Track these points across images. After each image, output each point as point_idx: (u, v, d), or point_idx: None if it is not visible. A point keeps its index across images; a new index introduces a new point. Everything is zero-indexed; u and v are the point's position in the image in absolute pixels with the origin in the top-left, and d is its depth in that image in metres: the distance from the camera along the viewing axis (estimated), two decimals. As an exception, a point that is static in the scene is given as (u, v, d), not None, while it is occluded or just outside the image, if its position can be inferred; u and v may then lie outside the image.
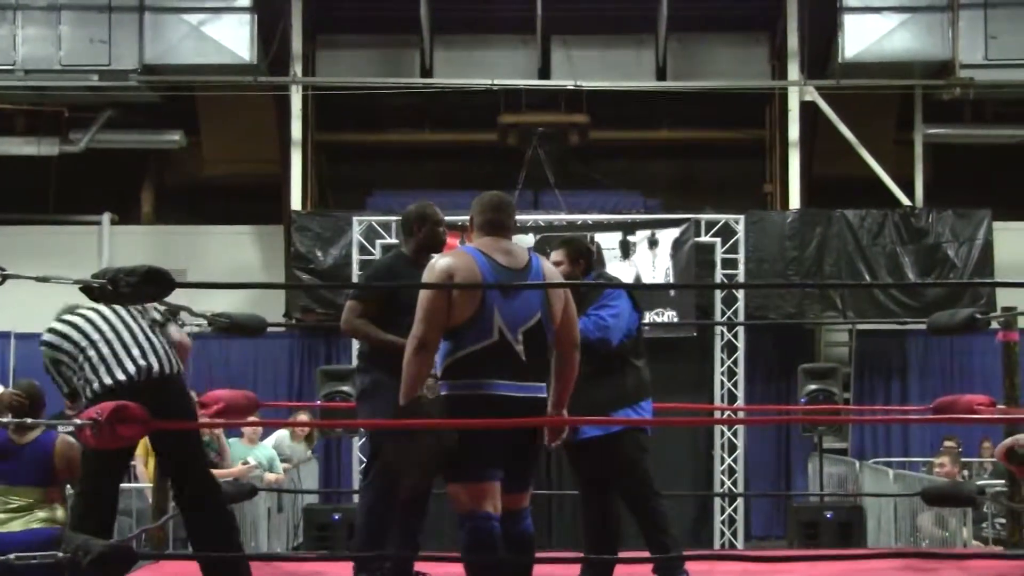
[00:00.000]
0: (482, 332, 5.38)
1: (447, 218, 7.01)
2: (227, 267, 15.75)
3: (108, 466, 6.16)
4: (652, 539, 6.47)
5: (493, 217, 5.63)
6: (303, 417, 12.82)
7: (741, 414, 13.08)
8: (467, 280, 5.36)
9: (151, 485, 8.12)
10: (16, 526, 6.97)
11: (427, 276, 5.49)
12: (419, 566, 6.71)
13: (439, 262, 5.54)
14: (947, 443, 12.95)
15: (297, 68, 15.75)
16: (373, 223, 14.09)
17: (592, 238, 14.16)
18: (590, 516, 6.70)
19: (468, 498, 5.37)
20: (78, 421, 5.39)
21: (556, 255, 6.62)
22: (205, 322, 7.44)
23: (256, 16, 15.26)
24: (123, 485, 11.66)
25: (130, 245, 15.97)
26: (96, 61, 15.17)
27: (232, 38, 15.16)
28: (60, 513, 7.12)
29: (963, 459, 12.67)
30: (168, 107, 16.22)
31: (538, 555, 5.78)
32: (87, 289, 5.71)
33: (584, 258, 6.72)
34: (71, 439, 6.81)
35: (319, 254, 14.55)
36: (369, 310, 6.43)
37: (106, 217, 16.34)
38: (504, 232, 5.63)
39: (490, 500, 5.35)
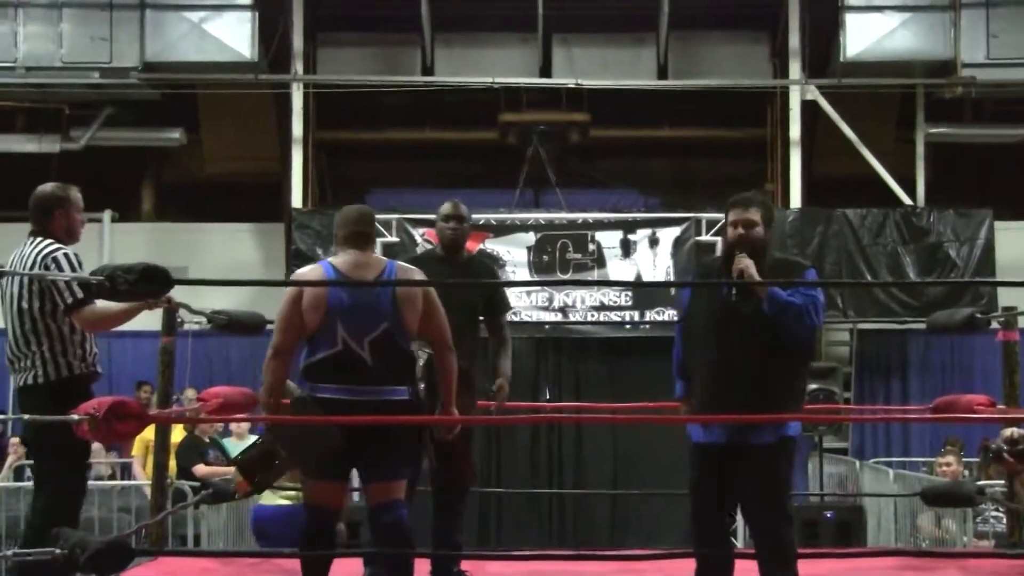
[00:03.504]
0: (328, 341, 5.85)
1: None
2: (228, 264, 15.75)
3: (83, 462, 6.32)
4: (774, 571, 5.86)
5: (353, 230, 6.09)
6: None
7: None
8: (314, 292, 5.86)
9: (149, 483, 8.14)
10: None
11: (288, 289, 6.05)
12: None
13: (296, 275, 6.22)
14: (951, 444, 12.90)
15: (298, 66, 15.74)
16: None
17: (592, 237, 14.18)
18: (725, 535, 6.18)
19: (309, 491, 6.00)
20: (75, 417, 5.41)
21: (751, 214, 5.88)
22: (204, 319, 7.44)
23: (257, 14, 15.23)
24: (123, 483, 11.76)
25: (131, 242, 15.97)
26: (97, 58, 15.16)
27: (233, 36, 15.13)
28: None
29: (964, 459, 12.66)
30: (169, 105, 16.19)
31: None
32: (85, 286, 5.77)
33: (770, 223, 6.00)
34: None
35: (319, 252, 14.52)
36: None
37: (107, 214, 16.35)
38: (363, 244, 6.08)
39: (329, 497, 5.92)
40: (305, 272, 6.16)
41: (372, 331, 5.87)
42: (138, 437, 11.98)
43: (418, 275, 6.16)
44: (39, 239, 6.33)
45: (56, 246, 6.27)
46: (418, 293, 5.99)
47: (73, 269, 6.16)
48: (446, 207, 7.25)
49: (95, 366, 6.36)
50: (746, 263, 5.81)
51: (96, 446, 12.94)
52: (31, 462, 8.06)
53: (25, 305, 6.18)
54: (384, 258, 6.20)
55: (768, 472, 5.78)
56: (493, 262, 13.17)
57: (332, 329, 5.85)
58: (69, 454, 6.09)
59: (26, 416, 5.72)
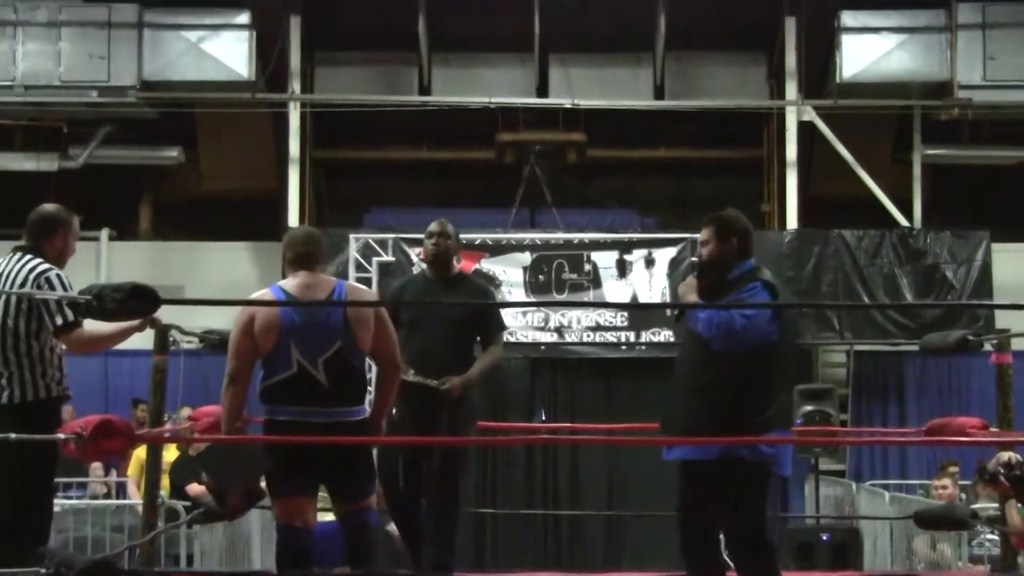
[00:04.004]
0: (283, 364, 5.95)
1: None
2: (225, 283, 15.72)
3: (50, 485, 6.29)
4: None
5: (300, 252, 6.23)
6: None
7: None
8: (266, 315, 5.96)
9: (142, 502, 8.11)
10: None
11: (238, 316, 6.10)
12: None
13: (251, 299, 6.28)
14: (950, 467, 12.86)
15: (295, 85, 15.75)
16: (370, 240, 14.11)
17: (589, 257, 14.16)
18: None
19: (278, 510, 6.08)
20: (61, 436, 5.41)
21: (704, 232, 6.07)
22: (196, 339, 7.43)
23: (254, 33, 15.27)
24: (116, 502, 11.74)
25: (128, 261, 15.95)
26: (95, 77, 15.18)
27: (230, 55, 15.16)
28: None
29: (960, 482, 12.64)
30: (166, 123, 16.20)
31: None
32: (74, 305, 5.75)
33: (737, 236, 6.06)
34: None
35: (315, 271, 14.53)
36: None
37: (104, 233, 16.32)
38: (310, 265, 6.19)
39: (296, 514, 6.00)
40: (257, 296, 6.29)
41: (325, 351, 5.95)
42: (133, 456, 11.98)
43: (369, 295, 6.28)
44: (28, 256, 6.26)
45: (48, 266, 6.21)
46: (370, 312, 6.08)
47: (64, 290, 6.11)
48: (431, 225, 7.30)
49: (67, 388, 6.30)
50: (682, 286, 6.19)
51: (94, 465, 13.02)
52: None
53: (11, 323, 6.10)
54: (333, 278, 6.33)
55: (722, 491, 5.81)
56: (489, 282, 13.17)
57: (286, 351, 5.94)
58: (37, 476, 6.06)
59: (12, 436, 5.60)
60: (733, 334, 5.72)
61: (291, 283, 6.15)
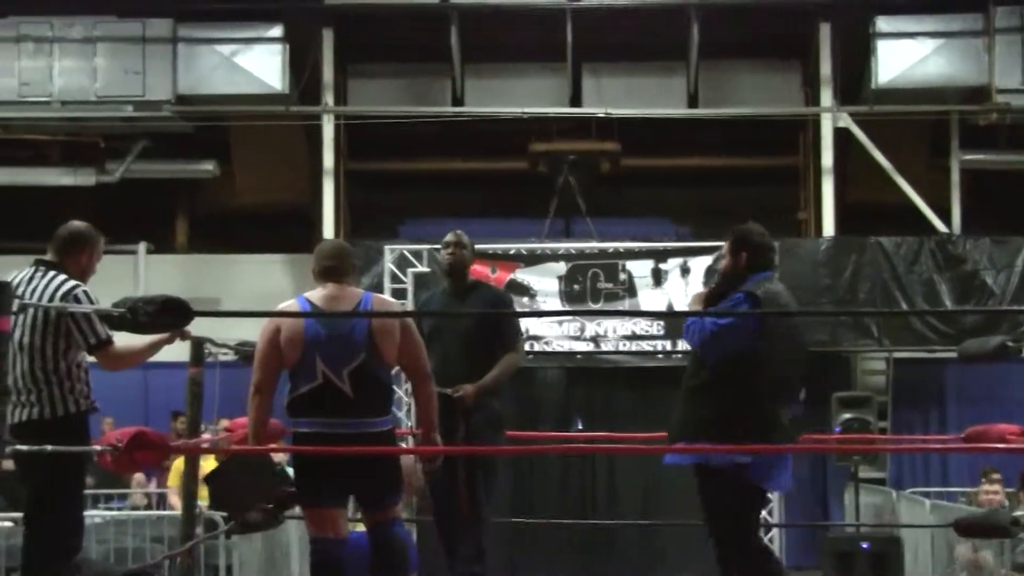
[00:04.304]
0: (308, 375, 6.00)
1: (478, 246, 7.23)
2: (260, 295, 15.69)
3: (81, 491, 6.31)
4: None
5: (326, 264, 6.29)
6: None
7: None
8: (291, 327, 6.01)
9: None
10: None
11: (264, 327, 6.18)
12: None
13: (277, 310, 6.35)
14: (993, 473, 12.75)
15: (328, 98, 15.79)
16: (405, 252, 14.10)
17: (624, 266, 14.11)
18: None
19: (310, 523, 6.14)
20: (97, 448, 5.42)
21: (724, 248, 6.44)
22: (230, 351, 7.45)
23: (287, 46, 15.33)
24: (156, 513, 11.78)
25: (165, 274, 16.04)
26: (130, 92, 15.30)
27: (264, 68, 15.23)
28: None
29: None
30: (201, 137, 16.29)
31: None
32: (106, 318, 5.75)
33: (746, 249, 6.28)
34: None
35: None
36: None
37: (142, 246, 16.44)
38: (337, 277, 6.24)
39: (328, 525, 6.04)
40: (283, 308, 6.35)
41: (350, 363, 5.98)
42: (173, 467, 12.04)
43: (395, 307, 6.29)
44: (52, 273, 6.21)
45: (74, 283, 6.17)
46: (395, 324, 6.11)
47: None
48: (447, 236, 7.42)
49: (94, 402, 6.27)
50: (692, 296, 6.60)
51: (136, 477, 13.08)
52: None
53: (38, 342, 6.04)
54: (360, 290, 6.35)
55: (705, 495, 6.08)
56: (524, 293, 13.21)
57: (311, 363, 5.99)
58: (67, 489, 6.05)
59: (49, 448, 5.56)
60: (705, 341, 5.91)
61: (317, 295, 6.21)
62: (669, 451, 6.15)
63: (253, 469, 6.13)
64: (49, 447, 5.54)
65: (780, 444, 5.91)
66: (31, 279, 6.19)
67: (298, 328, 6.01)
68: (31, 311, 6.00)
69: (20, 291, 6.02)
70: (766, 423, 5.92)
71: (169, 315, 5.35)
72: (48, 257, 6.33)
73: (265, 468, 6.13)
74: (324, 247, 6.50)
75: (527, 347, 13.72)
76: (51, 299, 6.06)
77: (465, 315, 7.21)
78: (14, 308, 4.88)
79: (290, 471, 6.69)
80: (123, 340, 6.21)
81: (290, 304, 6.29)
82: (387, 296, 6.47)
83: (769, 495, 12.97)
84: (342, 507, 6.23)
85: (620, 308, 14.19)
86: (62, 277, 6.18)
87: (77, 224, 6.47)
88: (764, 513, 13.33)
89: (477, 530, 7.09)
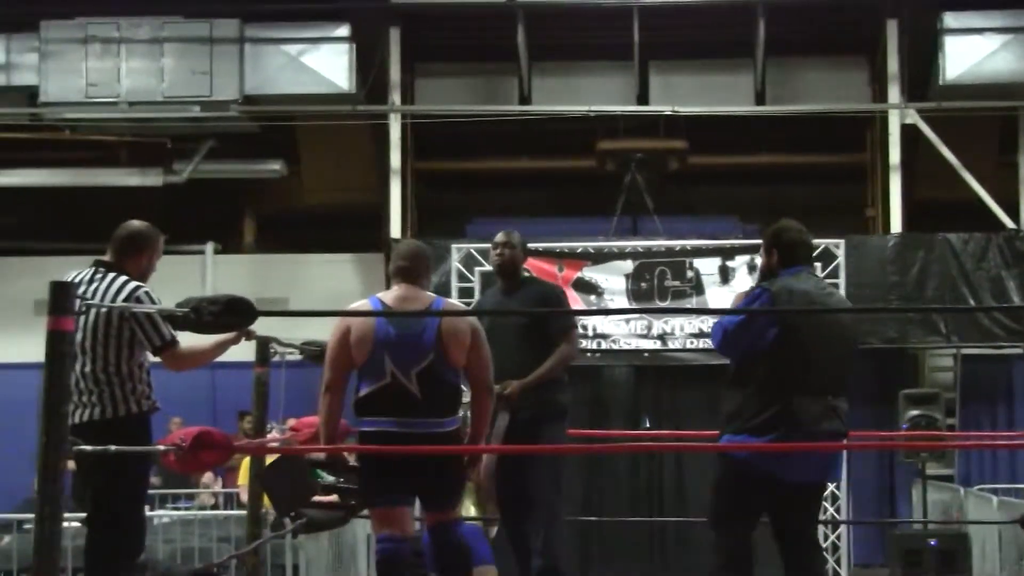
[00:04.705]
0: (377, 375, 6.06)
1: (545, 245, 7.27)
2: (328, 295, 15.81)
3: (144, 491, 6.39)
4: None
5: (401, 265, 6.32)
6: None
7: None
8: (361, 326, 6.08)
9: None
10: None
11: (336, 326, 6.26)
12: None
13: (348, 309, 6.42)
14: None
15: (395, 97, 15.84)
16: (472, 250, 14.12)
17: (691, 264, 14.09)
18: None
19: (376, 521, 6.23)
20: (161, 447, 5.48)
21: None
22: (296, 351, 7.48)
23: (354, 46, 15.40)
24: (223, 512, 11.87)
25: (232, 274, 16.16)
26: (198, 92, 15.36)
27: (330, 68, 15.31)
28: None
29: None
30: (268, 137, 16.38)
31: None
32: (171, 318, 5.79)
33: (779, 247, 6.24)
34: None
35: (417, 281, 14.59)
36: None
37: (209, 246, 16.57)
38: (411, 279, 6.28)
39: (394, 523, 6.10)
40: (355, 307, 6.41)
41: (418, 363, 6.04)
42: (242, 466, 12.11)
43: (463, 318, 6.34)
44: (113, 274, 6.21)
45: (136, 284, 6.18)
46: (466, 329, 6.16)
47: None
48: (497, 235, 7.52)
49: (156, 401, 6.30)
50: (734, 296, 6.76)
51: (205, 476, 13.18)
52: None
53: (100, 346, 6.05)
54: (432, 294, 6.39)
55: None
56: (582, 290, 13.33)
57: (380, 362, 6.05)
58: (128, 490, 6.10)
59: (113, 448, 5.43)
60: (722, 339, 6.02)
61: (389, 295, 6.28)
62: (726, 449, 6.12)
63: (290, 470, 6.20)
64: (113, 447, 5.46)
65: (794, 436, 5.87)
66: (91, 280, 6.20)
67: (368, 328, 6.07)
68: (92, 312, 6.00)
69: (80, 291, 5.98)
70: (788, 416, 5.91)
71: (233, 315, 5.39)
72: (107, 258, 6.33)
73: (300, 470, 6.19)
74: (400, 247, 6.53)
75: (594, 345, 13.76)
76: (113, 301, 6.06)
77: (520, 313, 7.26)
78: (78, 308, 4.83)
79: (324, 474, 6.73)
80: (189, 341, 6.24)
81: (363, 304, 6.34)
82: (455, 300, 6.49)
83: (832, 489, 12.99)
84: (408, 506, 6.29)
85: (687, 306, 14.17)
86: (123, 278, 6.19)
87: (136, 224, 6.48)
88: (832, 510, 13.32)
89: (548, 523, 7.14)
